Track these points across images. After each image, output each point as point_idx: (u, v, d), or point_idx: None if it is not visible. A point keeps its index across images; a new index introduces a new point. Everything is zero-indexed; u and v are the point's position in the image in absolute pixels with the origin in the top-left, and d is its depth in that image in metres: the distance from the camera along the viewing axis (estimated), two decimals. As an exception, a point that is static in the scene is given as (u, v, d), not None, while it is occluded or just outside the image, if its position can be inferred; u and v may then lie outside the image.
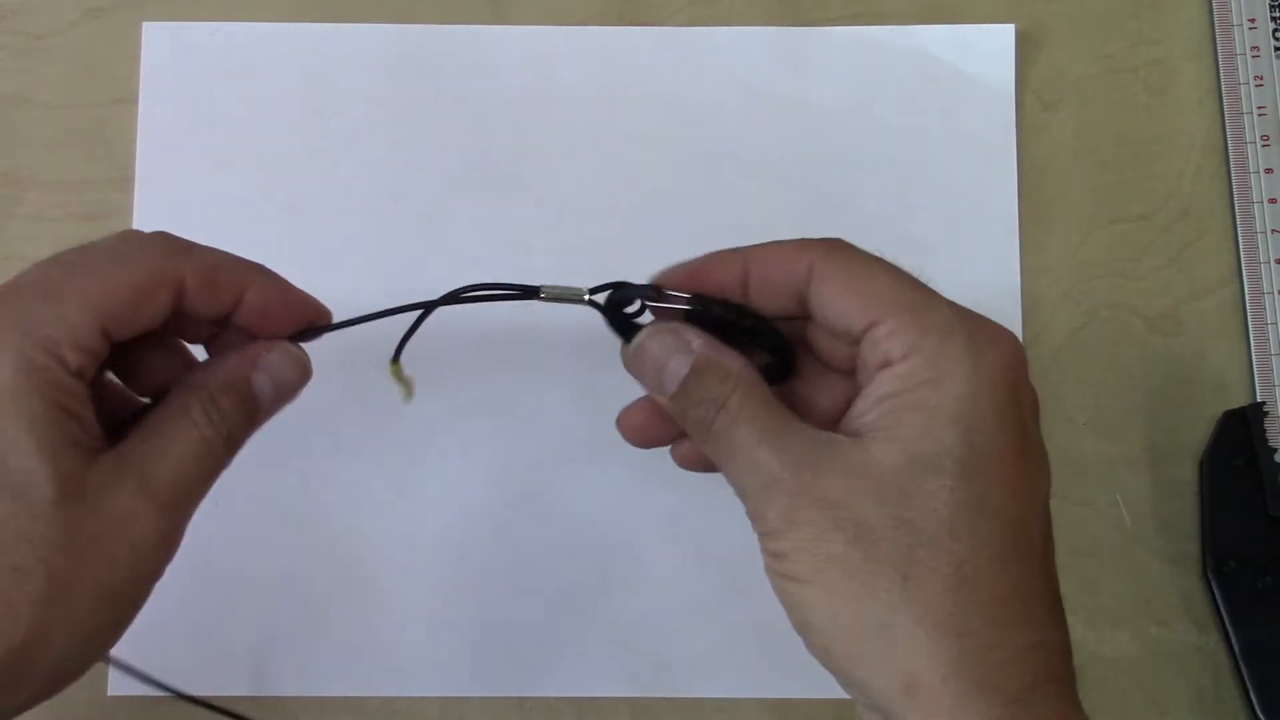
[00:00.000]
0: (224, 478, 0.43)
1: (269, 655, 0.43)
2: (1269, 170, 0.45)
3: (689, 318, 0.31)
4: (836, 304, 0.30)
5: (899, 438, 0.28)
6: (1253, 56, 0.46)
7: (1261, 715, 0.42)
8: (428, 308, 0.34)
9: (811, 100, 0.46)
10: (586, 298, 0.33)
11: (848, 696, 0.45)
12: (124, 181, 0.45)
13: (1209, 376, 0.45)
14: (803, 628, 0.29)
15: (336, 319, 0.44)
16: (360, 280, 0.44)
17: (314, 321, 0.34)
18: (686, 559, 0.43)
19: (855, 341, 0.30)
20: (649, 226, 0.45)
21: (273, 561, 0.43)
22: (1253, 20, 0.46)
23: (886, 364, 0.29)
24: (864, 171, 0.45)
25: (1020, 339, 0.30)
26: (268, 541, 0.43)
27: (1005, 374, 0.28)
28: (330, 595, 0.43)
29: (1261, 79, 0.46)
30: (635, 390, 0.46)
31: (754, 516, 0.29)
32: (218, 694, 0.43)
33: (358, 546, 0.43)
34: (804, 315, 0.31)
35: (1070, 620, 0.45)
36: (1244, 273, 0.45)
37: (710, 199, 0.45)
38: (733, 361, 0.30)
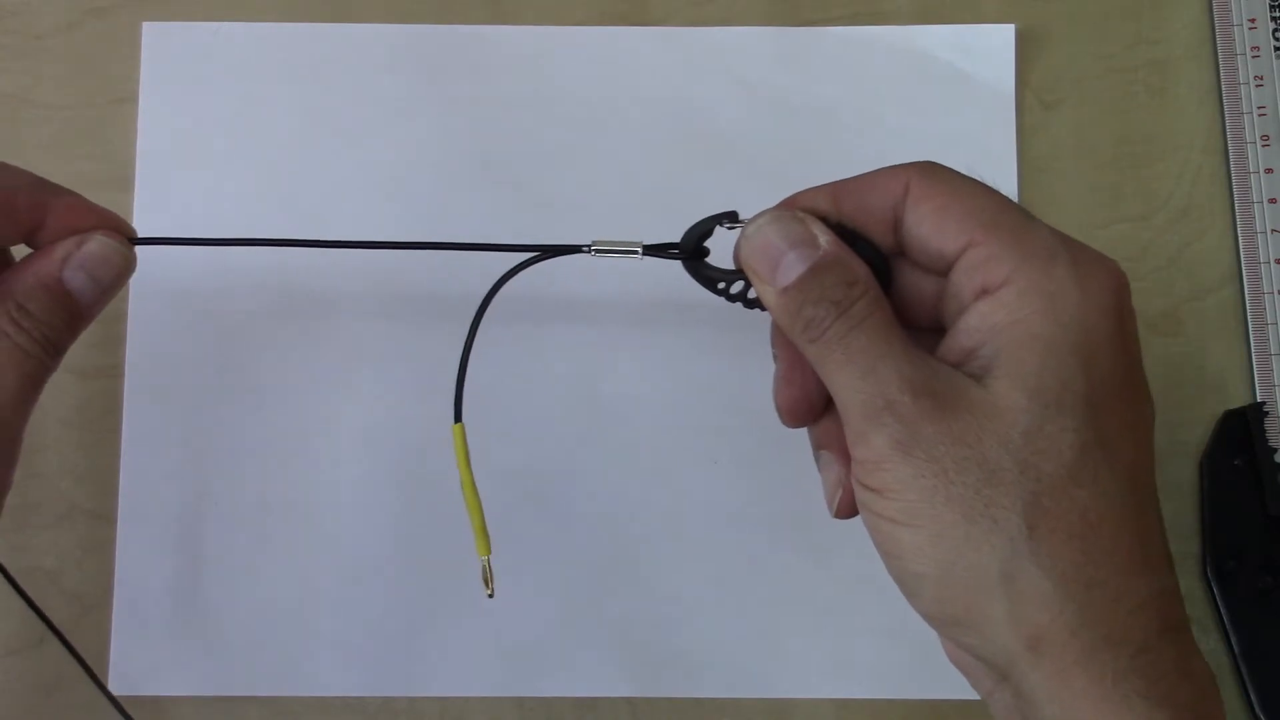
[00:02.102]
0: (224, 478, 0.43)
1: (269, 655, 0.43)
2: (1269, 170, 0.45)
3: None
4: (933, 221, 0.28)
5: (1019, 373, 0.26)
6: (1253, 56, 0.46)
7: (1261, 716, 0.42)
8: (486, 301, 0.33)
9: (811, 100, 0.46)
10: (641, 253, 0.32)
11: (847, 696, 0.45)
12: (124, 181, 0.45)
13: (1209, 376, 0.45)
14: (908, 576, 0.27)
15: (338, 319, 0.44)
16: (360, 280, 0.44)
17: (126, 233, 0.33)
18: (686, 559, 0.43)
19: (946, 270, 0.28)
20: (649, 226, 0.45)
21: (273, 561, 0.43)
22: (1253, 20, 0.46)
23: (985, 291, 0.27)
24: (864, 171, 0.45)
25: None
26: (268, 541, 0.43)
27: (1114, 300, 0.27)
28: (330, 595, 0.43)
29: (1261, 79, 0.46)
30: (634, 389, 0.46)
31: (857, 440, 0.27)
32: (218, 694, 0.43)
33: (358, 546, 0.43)
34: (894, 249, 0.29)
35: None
36: (1244, 273, 0.45)
37: (710, 199, 0.45)
38: (860, 267, 0.28)
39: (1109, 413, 0.26)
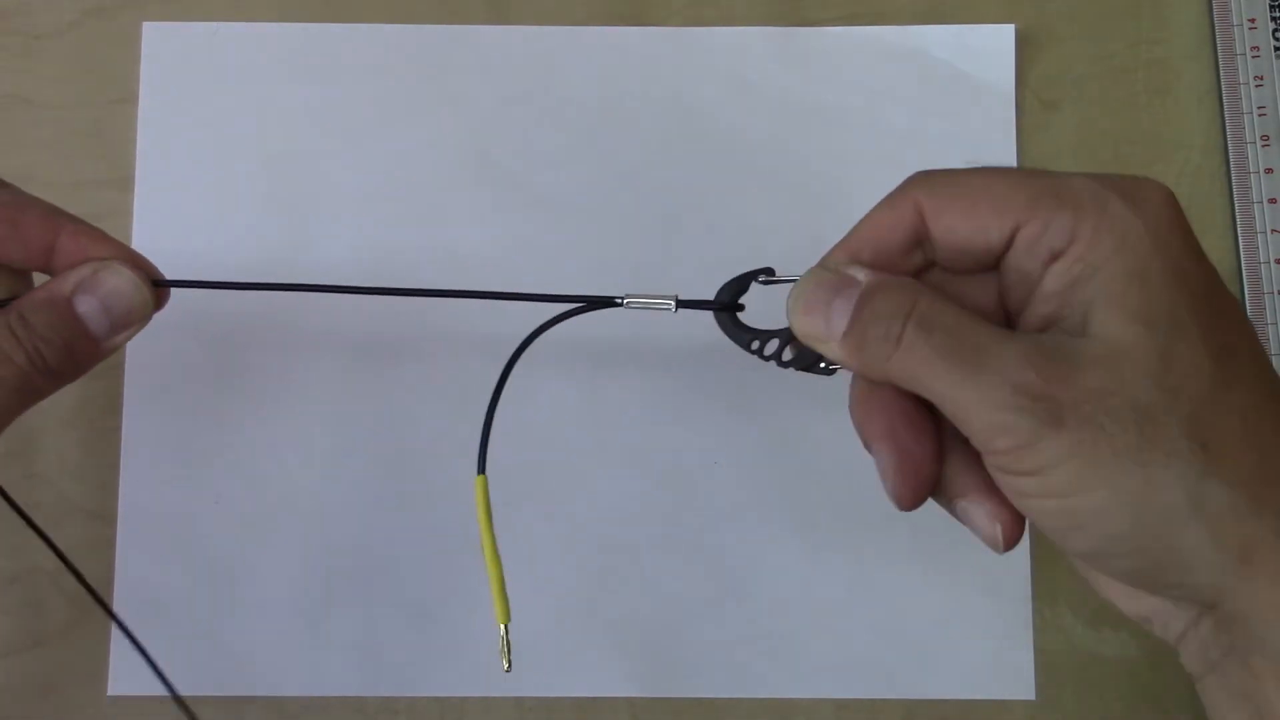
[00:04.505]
0: (223, 478, 0.43)
1: (269, 655, 0.43)
2: (1269, 170, 0.45)
3: None
4: (967, 225, 0.28)
5: (1126, 310, 0.26)
6: (1253, 56, 0.46)
7: (1261, 715, 0.41)
8: (524, 344, 0.32)
9: (811, 100, 0.46)
10: (675, 308, 0.32)
11: (847, 696, 0.44)
12: (124, 181, 0.45)
13: (1209, 376, 0.45)
14: (1099, 541, 0.26)
15: (337, 320, 0.44)
16: (360, 280, 0.44)
17: (150, 274, 0.33)
18: (686, 559, 0.43)
19: (994, 262, 0.28)
20: (648, 226, 0.45)
21: (273, 561, 0.43)
22: (1253, 20, 0.46)
23: (1055, 256, 0.27)
24: (864, 171, 0.45)
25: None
26: (267, 541, 0.43)
27: (1170, 212, 0.27)
28: (330, 595, 0.43)
29: (1261, 79, 0.46)
30: (635, 389, 0.46)
31: (995, 433, 0.26)
32: (218, 694, 0.43)
33: (357, 546, 0.43)
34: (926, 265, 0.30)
35: (1070, 620, 0.45)
36: (1244, 273, 0.45)
37: (709, 199, 0.45)
38: (907, 279, 0.28)
39: (1217, 314, 0.26)
